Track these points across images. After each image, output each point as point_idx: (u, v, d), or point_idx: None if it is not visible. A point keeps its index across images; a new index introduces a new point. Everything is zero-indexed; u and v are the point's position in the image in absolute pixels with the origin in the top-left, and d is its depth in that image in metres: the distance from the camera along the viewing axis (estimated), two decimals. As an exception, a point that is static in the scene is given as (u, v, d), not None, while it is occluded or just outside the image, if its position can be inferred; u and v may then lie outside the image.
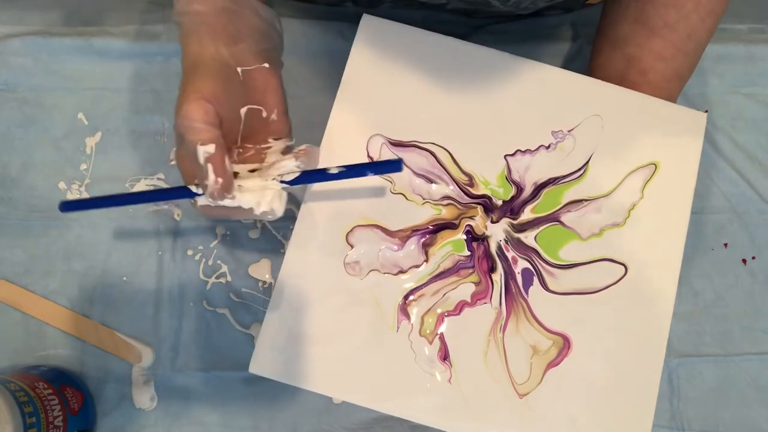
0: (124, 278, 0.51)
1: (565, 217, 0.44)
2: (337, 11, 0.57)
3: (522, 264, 0.43)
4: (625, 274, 0.43)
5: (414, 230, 0.43)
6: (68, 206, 0.41)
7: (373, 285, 0.42)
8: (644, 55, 0.48)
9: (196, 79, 0.38)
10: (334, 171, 0.39)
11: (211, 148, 0.36)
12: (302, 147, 0.40)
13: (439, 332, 0.41)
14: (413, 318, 0.41)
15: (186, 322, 0.50)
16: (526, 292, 0.42)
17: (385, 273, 0.42)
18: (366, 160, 0.43)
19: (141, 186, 0.52)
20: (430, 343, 0.41)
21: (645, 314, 0.43)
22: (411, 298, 0.42)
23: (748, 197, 0.55)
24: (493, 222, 0.43)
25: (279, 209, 0.39)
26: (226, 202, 0.38)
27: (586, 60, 0.55)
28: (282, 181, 0.39)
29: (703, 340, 0.53)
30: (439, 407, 0.40)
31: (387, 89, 0.44)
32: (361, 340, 0.41)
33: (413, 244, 0.42)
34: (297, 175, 0.39)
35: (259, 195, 0.38)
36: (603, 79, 0.50)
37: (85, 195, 0.52)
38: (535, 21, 0.58)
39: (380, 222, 0.43)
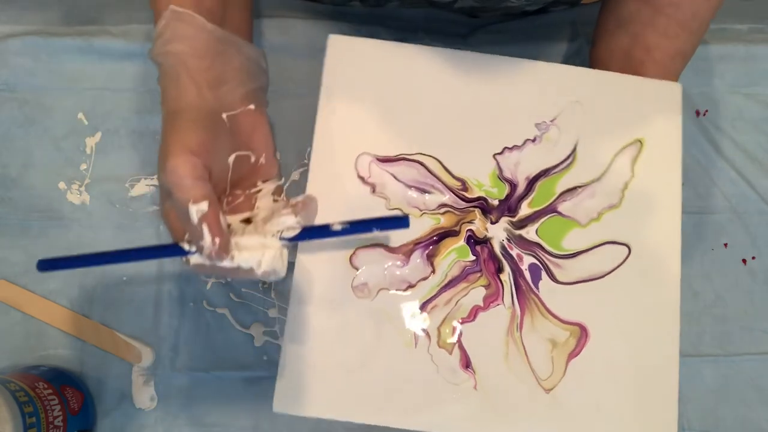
0: (124, 278, 0.51)
1: (562, 207, 0.44)
2: (340, 11, 0.57)
3: (528, 260, 0.43)
4: (629, 254, 0.43)
5: (416, 243, 0.42)
6: (47, 265, 0.38)
7: (384, 304, 0.41)
8: (649, 32, 0.48)
9: (179, 129, 0.36)
10: (338, 228, 0.37)
11: (204, 206, 0.33)
12: (299, 198, 0.38)
13: (457, 341, 0.41)
14: (430, 331, 0.41)
15: (186, 322, 0.50)
16: (537, 287, 0.42)
17: (394, 290, 0.42)
18: (356, 181, 0.43)
19: (141, 186, 0.52)
20: (450, 353, 0.41)
21: (655, 291, 0.43)
22: (424, 311, 0.42)
23: (748, 197, 0.55)
24: (492, 223, 0.43)
25: (281, 269, 0.37)
26: (225, 264, 0.35)
27: (585, 59, 0.55)
28: (282, 238, 0.37)
29: (703, 340, 0.53)
30: (468, 416, 0.40)
31: (366, 107, 0.44)
32: (382, 362, 0.41)
33: (418, 258, 0.42)
34: (298, 231, 0.37)
35: (258, 254, 0.36)
36: (606, 58, 0.50)
37: (85, 195, 0.52)
38: (533, 20, 0.58)
39: (381, 240, 0.42)
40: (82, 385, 0.48)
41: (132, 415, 0.49)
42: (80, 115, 0.53)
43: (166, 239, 0.51)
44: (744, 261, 0.54)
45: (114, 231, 0.51)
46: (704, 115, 0.57)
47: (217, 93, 0.39)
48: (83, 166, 0.52)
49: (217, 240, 0.34)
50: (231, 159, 0.39)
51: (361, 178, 0.43)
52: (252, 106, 0.41)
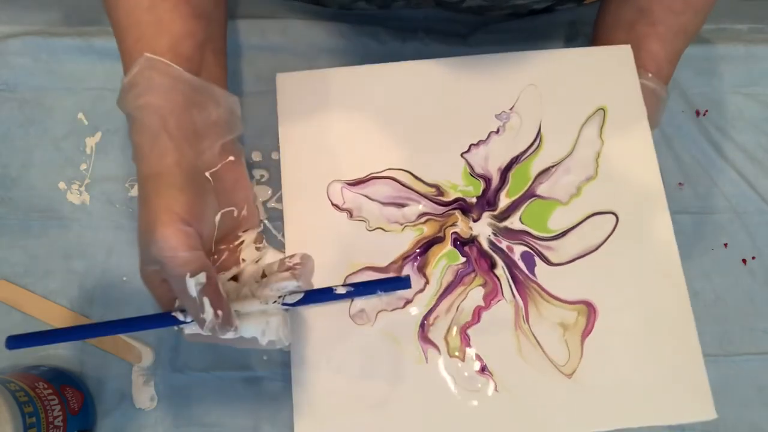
0: (124, 278, 0.51)
1: (541, 189, 0.44)
2: (342, 12, 0.57)
3: (519, 249, 0.42)
4: (617, 221, 0.43)
5: (404, 258, 0.42)
6: (15, 343, 0.35)
7: (386, 326, 0.41)
8: (655, 6, 0.48)
9: (165, 195, 0.34)
10: (342, 291, 0.37)
11: (202, 278, 0.32)
12: (296, 259, 0.37)
13: (467, 347, 0.41)
14: (437, 343, 0.41)
15: (186, 322, 0.50)
16: (533, 274, 0.42)
17: (393, 310, 0.41)
18: (332, 210, 0.43)
19: (141, 186, 0.52)
20: (463, 360, 0.40)
21: (652, 253, 0.42)
22: (427, 324, 0.41)
23: (748, 197, 0.55)
24: (475, 221, 0.43)
25: (286, 337, 0.35)
26: (228, 336, 0.34)
27: (586, 60, 0.55)
28: (284, 304, 0.35)
29: (703, 340, 0.52)
30: (495, 419, 0.40)
31: (326, 135, 0.44)
32: (396, 385, 0.40)
33: (409, 272, 0.42)
34: (300, 296, 0.36)
35: (262, 322, 0.35)
36: (610, 29, 0.50)
37: (86, 195, 0.52)
38: (534, 20, 0.58)
39: (369, 263, 0.42)
40: (82, 385, 0.48)
41: (132, 415, 0.49)
42: (80, 115, 0.53)
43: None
44: (744, 261, 0.54)
45: (114, 231, 0.51)
46: (704, 115, 0.57)
47: (197, 149, 0.37)
48: (83, 166, 0.52)
49: (220, 313, 0.32)
50: (217, 218, 0.38)
51: (336, 206, 0.43)
52: (232, 158, 0.40)
